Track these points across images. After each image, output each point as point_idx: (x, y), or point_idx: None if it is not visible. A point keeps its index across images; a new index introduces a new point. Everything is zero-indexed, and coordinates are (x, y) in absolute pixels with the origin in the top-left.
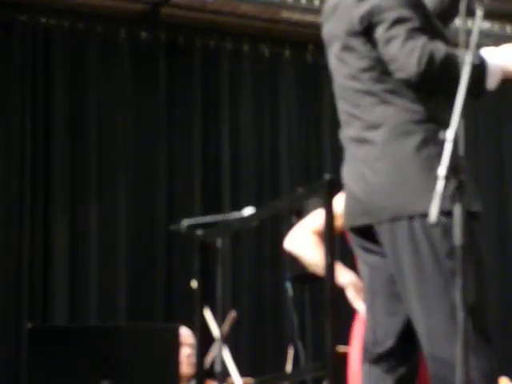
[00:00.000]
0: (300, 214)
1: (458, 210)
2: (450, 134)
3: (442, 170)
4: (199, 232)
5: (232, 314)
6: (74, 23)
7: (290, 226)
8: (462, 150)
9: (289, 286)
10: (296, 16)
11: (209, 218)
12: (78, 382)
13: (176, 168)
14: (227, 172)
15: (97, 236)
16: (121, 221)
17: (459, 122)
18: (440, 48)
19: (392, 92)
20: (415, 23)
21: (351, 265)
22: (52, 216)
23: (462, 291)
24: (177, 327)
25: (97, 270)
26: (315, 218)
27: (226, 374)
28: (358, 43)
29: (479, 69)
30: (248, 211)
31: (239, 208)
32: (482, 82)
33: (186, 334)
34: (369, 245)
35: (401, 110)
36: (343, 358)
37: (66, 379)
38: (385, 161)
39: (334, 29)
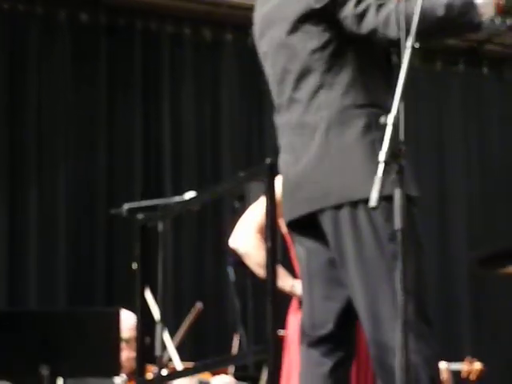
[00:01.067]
0: (242, 198)
1: (398, 195)
2: (390, 119)
3: (382, 155)
4: (140, 216)
5: (198, 306)
6: (13, 5)
7: (232, 210)
8: (402, 135)
9: (231, 270)
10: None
11: (150, 202)
12: (16, 367)
13: (116, 152)
14: (168, 156)
15: (36, 220)
16: (60, 205)
17: (399, 106)
18: (411, 4)
19: (336, 75)
20: None
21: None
22: None
23: (401, 274)
24: (117, 311)
25: (36, 255)
26: (257, 213)
27: (166, 358)
28: (309, 24)
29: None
30: (189, 195)
31: (181, 193)
32: (469, 13)
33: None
34: (306, 229)
35: (343, 94)
36: (282, 341)
37: (4, 365)
38: (328, 146)
39: (277, 11)
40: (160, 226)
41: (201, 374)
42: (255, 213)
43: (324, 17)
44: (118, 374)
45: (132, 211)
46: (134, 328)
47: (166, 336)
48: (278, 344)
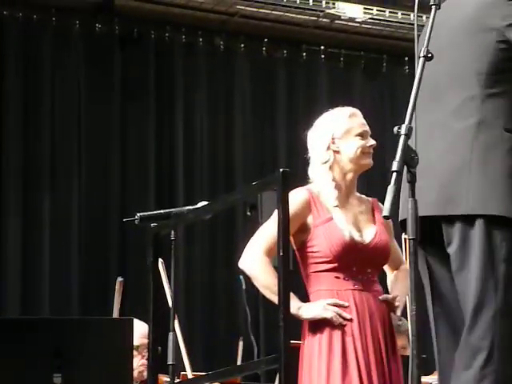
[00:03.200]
0: (255, 207)
1: (411, 204)
2: (403, 128)
3: (395, 165)
4: (152, 224)
5: (119, 280)
6: (27, 14)
7: (245, 219)
8: (415, 144)
9: (242, 279)
10: (251, 9)
11: (162, 211)
12: (29, 375)
13: (130, 161)
14: (181, 166)
15: (49, 229)
16: (73, 214)
17: (413, 116)
18: None
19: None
20: None
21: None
22: (4, 205)
23: (413, 284)
24: (130, 320)
25: (49, 263)
26: (266, 233)
27: (178, 367)
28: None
29: None
30: (202, 204)
31: (193, 202)
32: None
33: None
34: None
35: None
36: (296, 351)
37: (17, 373)
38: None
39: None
40: (172, 235)
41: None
42: (265, 233)
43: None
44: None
45: (145, 219)
46: (144, 336)
47: (180, 345)
48: (291, 354)
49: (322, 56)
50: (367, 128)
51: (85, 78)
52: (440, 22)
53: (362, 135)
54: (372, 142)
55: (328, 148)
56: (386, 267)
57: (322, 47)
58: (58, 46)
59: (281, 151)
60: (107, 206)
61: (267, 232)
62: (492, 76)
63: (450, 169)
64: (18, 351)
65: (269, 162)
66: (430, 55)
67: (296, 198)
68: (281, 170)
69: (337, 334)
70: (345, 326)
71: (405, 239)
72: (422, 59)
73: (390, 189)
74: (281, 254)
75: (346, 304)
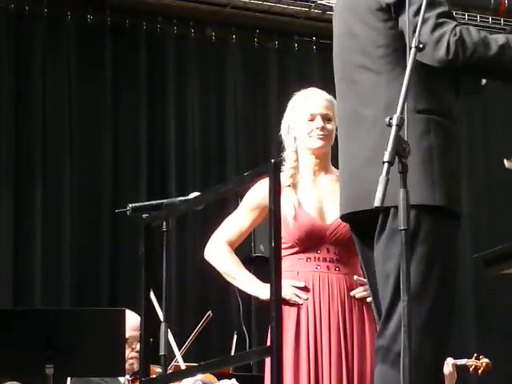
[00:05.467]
0: None
1: (402, 194)
2: (394, 119)
3: (386, 155)
4: (144, 215)
5: (208, 315)
6: (19, 6)
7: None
8: (406, 135)
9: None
10: (243, 0)
11: (154, 202)
12: (21, 366)
13: (122, 151)
14: (173, 156)
15: (41, 219)
16: (65, 205)
17: (403, 107)
18: (472, 33)
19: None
20: (445, 7)
21: None
22: None
23: (404, 275)
24: (122, 311)
25: (41, 254)
26: (228, 226)
27: (170, 358)
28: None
29: None
30: (194, 195)
31: (185, 193)
32: None
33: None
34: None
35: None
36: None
37: (9, 363)
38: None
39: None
40: (164, 226)
41: (204, 374)
42: (227, 224)
43: (389, 14)
44: (122, 374)
45: (136, 210)
46: (134, 328)
47: (170, 336)
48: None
49: (314, 47)
50: (318, 110)
51: (76, 69)
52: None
53: (311, 119)
54: (318, 123)
55: (288, 134)
56: None
57: (314, 38)
58: (49, 38)
59: (273, 142)
60: (99, 197)
61: (230, 222)
62: (388, 57)
63: (362, 161)
64: (10, 342)
65: (261, 152)
66: (421, 46)
67: (260, 187)
68: (272, 160)
69: (292, 310)
70: (301, 304)
71: None
72: (413, 49)
73: (382, 179)
74: (272, 244)
75: (302, 284)
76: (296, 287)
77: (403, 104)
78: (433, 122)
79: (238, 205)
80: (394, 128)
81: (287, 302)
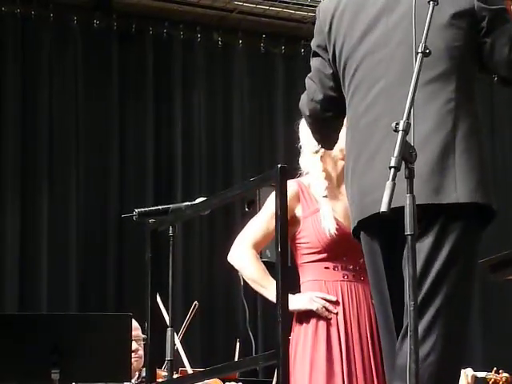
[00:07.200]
0: (253, 203)
1: (409, 200)
2: (401, 124)
3: (393, 161)
4: (151, 220)
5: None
6: (25, 10)
7: (243, 215)
8: (413, 140)
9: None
10: (249, 5)
11: (160, 207)
12: (27, 371)
13: (128, 157)
14: (180, 162)
15: (47, 224)
16: (72, 209)
17: (411, 112)
18: None
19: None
20: None
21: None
22: (2, 203)
23: (412, 280)
24: (128, 316)
25: (47, 259)
26: (254, 227)
27: (176, 363)
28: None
29: None
30: (200, 201)
31: (191, 198)
32: None
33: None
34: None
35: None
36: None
37: (15, 369)
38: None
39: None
40: (170, 231)
41: (211, 379)
42: (252, 227)
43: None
44: (128, 380)
45: (143, 215)
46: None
47: (177, 341)
48: (288, 349)
49: None
50: None
51: (83, 74)
52: None
53: None
54: None
55: (310, 142)
56: None
57: None
58: (56, 42)
59: (279, 147)
60: (105, 202)
61: (255, 226)
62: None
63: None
64: (16, 347)
65: (267, 157)
66: (427, 51)
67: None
68: (279, 165)
69: (322, 324)
70: (330, 318)
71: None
72: (420, 55)
73: (389, 184)
74: (279, 249)
75: (334, 298)
76: (325, 299)
77: (409, 109)
78: (475, 125)
79: (244, 210)
80: (400, 133)
81: (317, 315)
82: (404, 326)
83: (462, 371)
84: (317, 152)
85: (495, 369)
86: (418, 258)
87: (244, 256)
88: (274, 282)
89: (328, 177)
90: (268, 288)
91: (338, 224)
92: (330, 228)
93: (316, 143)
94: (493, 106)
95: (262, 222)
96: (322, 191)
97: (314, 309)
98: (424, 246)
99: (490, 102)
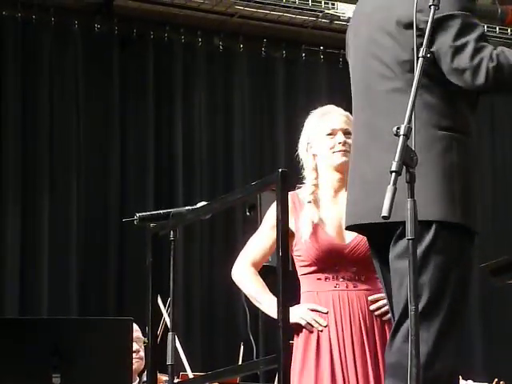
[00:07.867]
0: (254, 207)
1: (409, 204)
2: (402, 129)
3: (394, 165)
4: (152, 224)
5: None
6: (26, 14)
7: (244, 220)
8: (414, 145)
9: None
10: (250, 10)
11: (162, 211)
12: (28, 375)
13: (129, 160)
14: (181, 166)
15: (48, 228)
16: (72, 213)
17: (412, 116)
18: (509, 57)
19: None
20: (480, 28)
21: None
22: (3, 204)
23: (412, 284)
24: (129, 321)
25: (48, 263)
26: (252, 247)
27: (178, 367)
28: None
29: None
30: (201, 205)
31: (192, 203)
32: None
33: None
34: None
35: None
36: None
37: (15, 372)
38: None
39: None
40: (171, 235)
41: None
42: (251, 244)
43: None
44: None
45: (144, 220)
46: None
47: (178, 345)
48: (289, 354)
49: (322, 56)
50: (338, 125)
51: (84, 78)
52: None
53: (332, 134)
54: (340, 138)
55: (307, 152)
56: None
57: (322, 48)
58: (57, 47)
59: (280, 151)
60: (106, 203)
61: (254, 244)
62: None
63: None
64: (17, 351)
65: (268, 162)
66: (428, 55)
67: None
68: (279, 170)
69: (313, 335)
70: (320, 331)
71: None
72: (420, 59)
73: (389, 189)
74: (280, 254)
75: (325, 310)
76: (316, 311)
77: (410, 114)
78: (455, 140)
79: (245, 214)
80: (401, 138)
81: (306, 327)
82: (394, 323)
83: (464, 383)
84: (308, 166)
85: (496, 380)
86: (394, 274)
87: (242, 274)
88: (270, 297)
89: (318, 185)
90: (263, 303)
91: (324, 236)
92: (303, 233)
93: (306, 159)
94: (493, 106)
95: (262, 238)
96: (306, 196)
97: (303, 324)
98: (399, 262)
99: (490, 102)
